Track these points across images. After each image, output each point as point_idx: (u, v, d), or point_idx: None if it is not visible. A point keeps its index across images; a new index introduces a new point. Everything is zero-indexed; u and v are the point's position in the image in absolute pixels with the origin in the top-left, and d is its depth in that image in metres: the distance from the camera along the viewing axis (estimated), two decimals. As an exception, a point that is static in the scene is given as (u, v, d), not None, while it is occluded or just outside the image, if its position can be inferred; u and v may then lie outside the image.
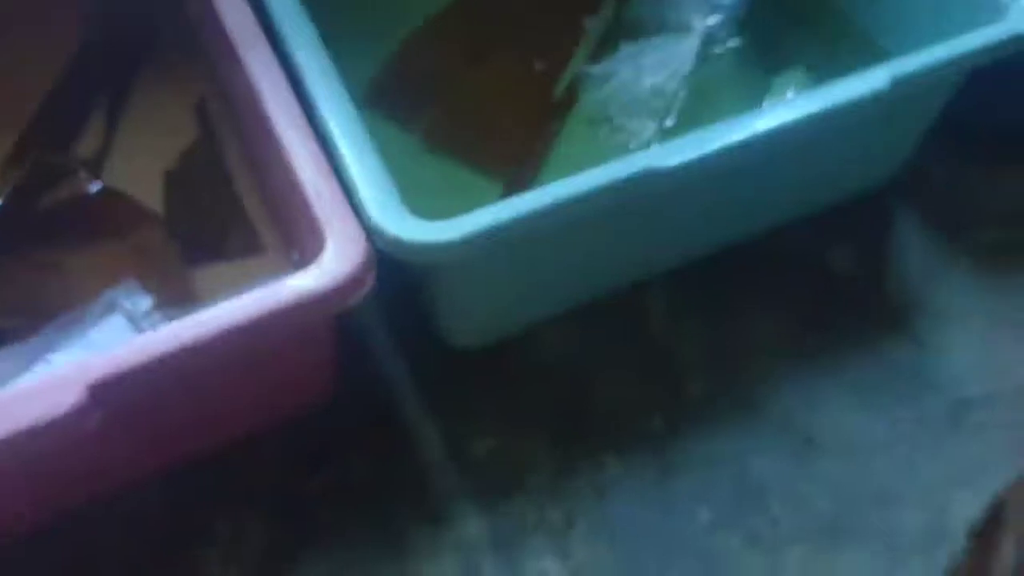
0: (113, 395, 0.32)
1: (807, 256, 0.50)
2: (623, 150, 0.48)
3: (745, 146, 0.39)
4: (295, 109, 0.39)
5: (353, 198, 0.36)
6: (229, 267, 0.48)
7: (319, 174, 0.37)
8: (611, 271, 0.47)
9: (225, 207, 0.50)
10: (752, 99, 0.50)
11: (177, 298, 0.45)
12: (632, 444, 0.44)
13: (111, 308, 0.43)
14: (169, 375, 0.33)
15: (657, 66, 0.48)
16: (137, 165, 0.51)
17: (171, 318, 0.43)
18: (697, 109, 0.49)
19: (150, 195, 0.50)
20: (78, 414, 0.31)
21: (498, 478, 0.44)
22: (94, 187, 0.48)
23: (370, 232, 0.35)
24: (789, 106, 0.40)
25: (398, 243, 0.35)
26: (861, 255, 0.50)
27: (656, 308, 0.48)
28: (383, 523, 0.42)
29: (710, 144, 0.38)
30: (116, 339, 0.42)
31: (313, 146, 0.38)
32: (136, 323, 0.43)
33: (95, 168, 0.50)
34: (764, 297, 0.49)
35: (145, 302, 0.43)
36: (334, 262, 0.35)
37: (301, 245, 0.43)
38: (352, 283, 0.34)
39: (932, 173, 0.53)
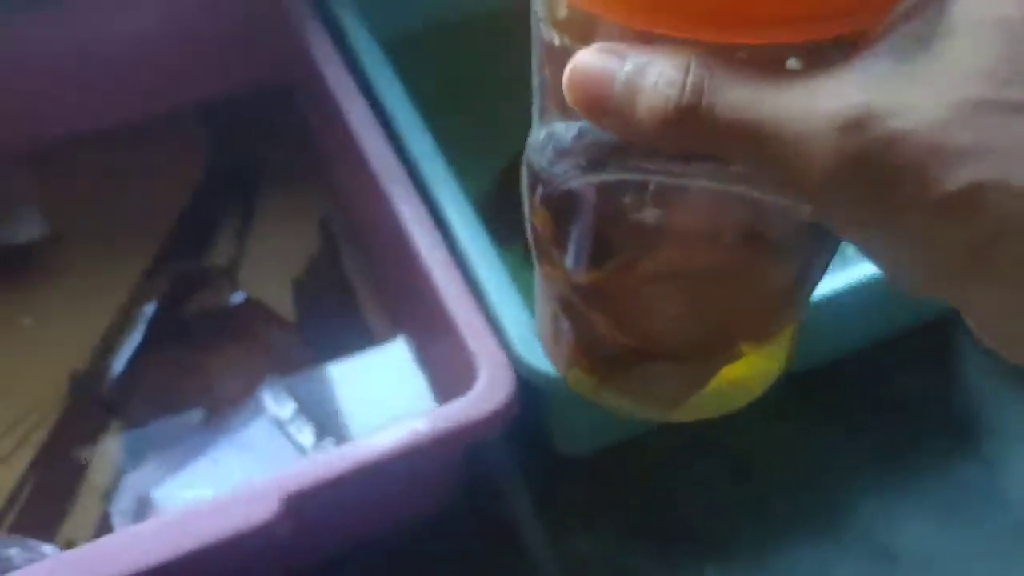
0: (305, 506, 0.36)
1: (877, 379, 0.55)
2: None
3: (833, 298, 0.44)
4: (441, 247, 0.44)
5: (500, 332, 0.41)
6: (354, 366, 0.53)
7: (471, 311, 0.42)
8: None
9: (347, 312, 0.55)
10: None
11: (313, 397, 0.50)
12: (726, 552, 0.49)
13: (258, 411, 0.48)
14: (348, 489, 0.38)
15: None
16: (266, 274, 0.56)
17: (313, 418, 0.48)
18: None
19: (279, 300, 0.55)
20: (276, 522, 0.36)
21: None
22: (236, 297, 0.53)
23: (516, 365, 0.40)
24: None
25: (546, 378, 0.39)
26: (926, 378, 0.55)
27: (736, 430, 0.53)
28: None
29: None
30: (265, 442, 0.47)
31: (462, 284, 0.43)
32: (283, 427, 0.47)
33: (232, 276, 0.56)
34: (839, 416, 0.53)
35: (290, 406, 0.48)
36: (487, 393, 0.39)
37: (444, 366, 0.47)
38: (503, 412, 0.39)
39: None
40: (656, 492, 0.51)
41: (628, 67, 0.19)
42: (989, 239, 0.18)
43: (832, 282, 0.45)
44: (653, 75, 0.19)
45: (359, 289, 0.56)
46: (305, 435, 0.47)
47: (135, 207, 0.59)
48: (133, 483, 0.45)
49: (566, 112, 0.22)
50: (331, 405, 0.49)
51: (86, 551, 0.38)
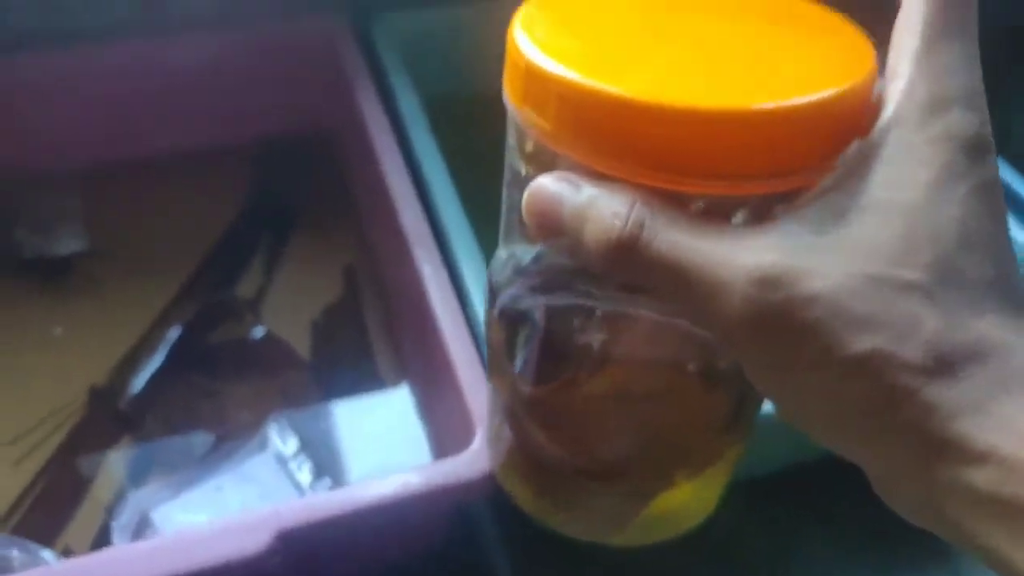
0: (296, 542, 0.38)
1: (860, 478, 0.56)
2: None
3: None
4: (456, 309, 0.47)
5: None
6: (361, 413, 0.55)
7: (475, 374, 0.43)
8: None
9: (361, 359, 0.57)
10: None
11: (316, 435, 0.52)
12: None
13: (264, 445, 0.50)
14: (338, 530, 0.39)
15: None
16: (288, 312, 0.59)
17: (313, 458, 0.50)
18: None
19: (297, 340, 0.57)
20: (266, 555, 0.37)
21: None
22: (258, 331, 0.56)
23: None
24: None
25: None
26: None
27: (729, 520, 0.54)
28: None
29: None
30: (266, 476, 0.48)
31: (471, 348, 0.45)
32: (284, 463, 0.49)
33: (255, 310, 0.58)
34: (822, 520, 0.54)
35: (293, 443, 0.50)
36: (482, 454, 0.41)
37: (445, 422, 0.49)
38: (494, 476, 0.41)
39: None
40: (637, 572, 0.52)
41: (581, 196, 0.21)
42: (880, 405, 0.19)
43: None
44: (601, 207, 0.21)
45: (374, 337, 0.58)
46: (304, 473, 0.48)
47: (173, 234, 0.62)
48: (136, 500, 0.47)
49: (527, 236, 0.24)
50: (332, 444, 0.51)
51: (82, 562, 0.39)
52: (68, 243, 0.61)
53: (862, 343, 0.19)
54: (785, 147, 0.20)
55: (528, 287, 0.25)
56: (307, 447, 0.50)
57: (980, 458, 0.19)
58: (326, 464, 0.50)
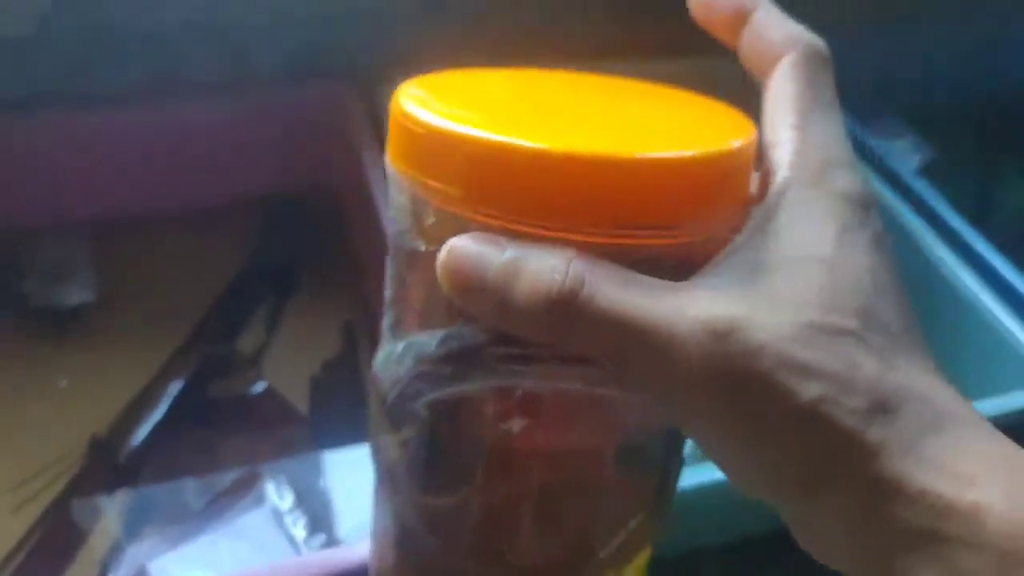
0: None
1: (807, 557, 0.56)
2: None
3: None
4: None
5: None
6: (357, 469, 0.55)
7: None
8: (676, 538, 0.54)
9: (358, 415, 0.58)
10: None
11: (314, 492, 0.53)
12: None
13: (260, 500, 0.51)
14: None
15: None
16: (288, 366, 0.60)
17: (308, 513, 0.51)
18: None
19: (296, 394, 0.59)
20: (258, 615, 0.38)
21: None
22: (259, 386, 0.57)
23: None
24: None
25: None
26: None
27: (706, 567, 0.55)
28: None
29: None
30: (261, 531, 0.49)
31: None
32: (280, 519, 0.50)
33: (256, 364, 0.60)
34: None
35: (290, 498, 0.51)
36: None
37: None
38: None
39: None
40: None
41: (508, 254, 0.20)
42: (829, 451, 0.20)
43: None
44: (534, 263, 0.20)
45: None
46: (299, 529, 0.49)
47: (178, 287, 0.63)
48: (132, 553, 0.48)
49: (428, 321, 0.23)
50: (328, 500, 0.52)
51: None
52: (76, 294, 0.62)
53: (810, 390, 0.19)
54: (698, 193, 0.21)
55: (434, 377, 0.23)
56: (303, 502, 0.51)
57: (916, 497, 0.19)
58: (321, 519, 0.51)
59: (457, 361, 0.22)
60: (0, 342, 0.60)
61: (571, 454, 0.24)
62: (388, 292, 0.25)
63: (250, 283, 0.64)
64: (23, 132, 0.62)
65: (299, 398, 0.58)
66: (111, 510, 0.52)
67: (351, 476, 0.54)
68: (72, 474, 0.54)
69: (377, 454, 0.27)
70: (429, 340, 0.22)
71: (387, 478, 0.26)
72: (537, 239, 0.20)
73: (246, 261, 0.65)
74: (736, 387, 0.19)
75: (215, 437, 0.55)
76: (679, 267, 0.21)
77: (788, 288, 0.20)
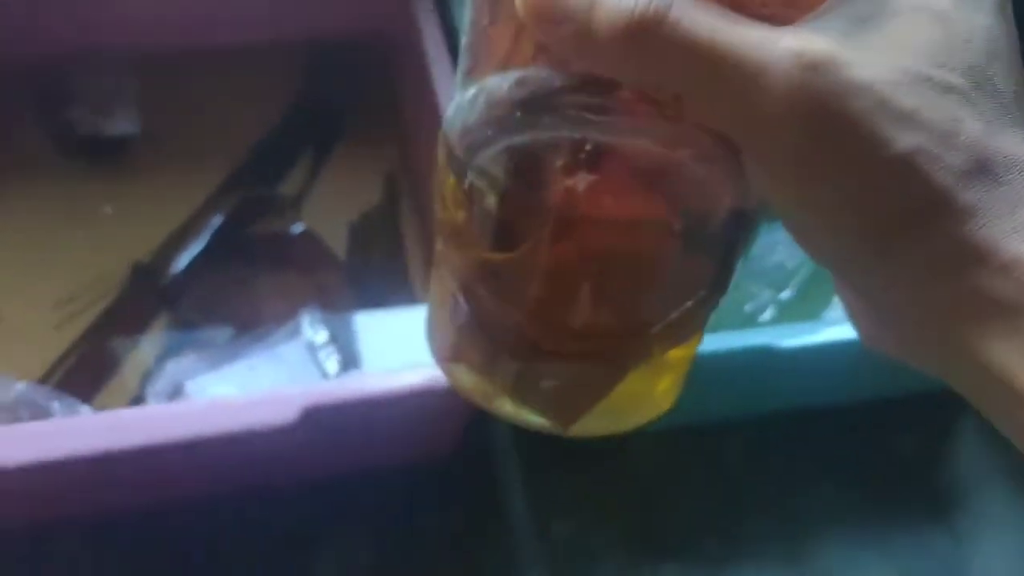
0: (319, 420, 0.40)
1: (876, 434, 0.57)
2: (739, 308, 0.56)
3: (848, 345, 0.46)
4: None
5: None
6: (389, 315, 0.56)
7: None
8: (705, 407, 0.55)
9: (393, 265, 0.59)
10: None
11: (347, 334, 0.54)
12: (688, 558, 0.51)
13: (296, 333, 0.52)
14: (361, 413, 0.41)
15: (789, 243, 0.56)
16: (327, 212, 0.60)
17: (341, 351, 0.52)
18: (814, 286, 0.57)
19: (334, 240, 0.59)
20: (290, 429, 0.39)
21: (571, 560, 0.51)
22: (297, 227, 0.57)
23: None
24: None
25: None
26: (920, 445, 0.57)
27: (735, 447, 0.56)
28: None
29: (819, 336, 0.46)
30: (296, 360, 0.51)
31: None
32: (314, 351, 0.51)
33: (296, 207, 0.60)
34: (829, 462, 0.56)
35: (323, 334, 0.52)
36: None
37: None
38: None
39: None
40: (640, 490, 0.54)
41: None
42: (917, 208, 0.19)
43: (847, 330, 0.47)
44: None
45: (408, 246, 0.60)
46: (331, 363, 0.50)
47: (223, 124, 0.63)
48: (171, 370, 0.49)
49: (505, 62, 0.22)
50: (359, 345, 0.53)
51: (118, 415, 0.42)
52: (121, 125, 0.62)
53: (907, 140, 0.18)
54: None
55: (504, 123, 0.22)
56: (336, 340, 0.52)
57: (1007, 265, 0.18)
58: (352, 359, 0.52)
59: (528, 105, 0.21)
60: (45, 167, 0.61)
61: (634, 222, 0.23)
62: (464, 38, 0.23)
63: (295, 126, 0.63)
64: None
65: (337, 243, 0.59)
66: (151, 332, 0.54)
67: (384, 324, 0.55)
68: (114, 296, 0.55)
69: (441, 209, 0.25)
70: (501, 82, 0.21)
71: (451, 235, 0.25)
72: None
73: (292, 102, 0.64)
74: (825, 124, 0.18)
75: (253, 273, 0.56)
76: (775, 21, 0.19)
77: (896, 37, 0.19)
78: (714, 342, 0.45)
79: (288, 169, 0.62)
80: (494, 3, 0.22)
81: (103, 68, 0.64)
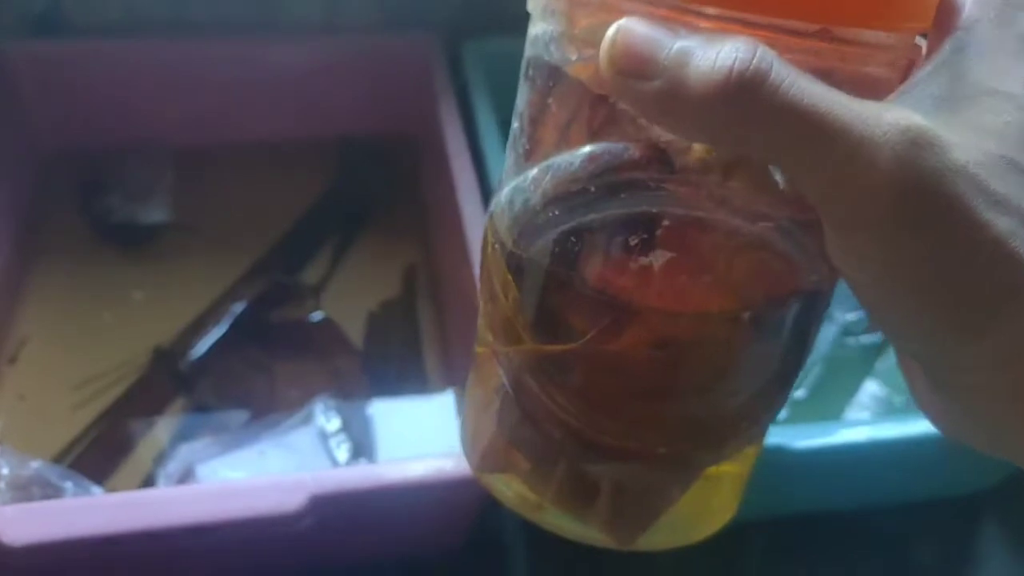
0: (328, 508, 0.40)
1: (895, 540, 0.56)
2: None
3: (865, 446, 0.46)
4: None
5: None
6: (403, 405, 0.57)
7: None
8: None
9: (410, 355, 0.59)
10: (879, 382, 0.57)
11: (359, 422, 0.54)
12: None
13: (308, 420, 0.52)
14: (369, 503, 0.41)
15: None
16: (348, 301, 0.61)
17: (353, 440, 0.52)
18: (828, 384, 0.57)
19: (353, 329, 0.60)
20: (298, 516, 0.39)
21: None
22: (317, 315, 0.58)
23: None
24: (908, 421, 0.47)
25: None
26: (943, 552, 0.55)
27: (751, 550, 0.54)
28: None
29: (834, 438, 0.46)
30: (307, 448, 0.51)
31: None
32: (325, 439, 0.51)
33: (316, 295, 0.61)
34: (844, 566, 0.54)
35: (336, 422, 0.52)
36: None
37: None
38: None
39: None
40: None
41: (683, 40, 0.18)
42: (1004, 292, 0.18)
43: (874, 431, 0.47)
44: (715, 44, 0.18)
45: (425, 336, 0.60)
46: (342, 451, 0.51)
47: (251, 216, 0.65)
48: (183, 453, 0.50)
49: (560, 142, 0.21)
50: (372, 431, 0.53)
51: (128, 497, 0.42)
52: (155, 213, 0.65)
53: (1001, 223, 0.18)
54: None
55: (573, 200, 0.20)
56: (348, 428, 0.52)
57: None
58: (364, 448, 0.52)
59: (602, 179, 0.20)
60: (82, 252, 0.63)
61: (706, 305, 0.21)
62: (515, 125, 0.23)
63: (321, 218, 0.66)
64: (123, 56, 0.65)
65: (355, 332, 0.60)
66: (167, 415, 0.54)
67: (398, 414, 0.55)
68: (134, 379, 0.56)
69: (489, 304, 0.24)
70: (571, 159, 0.20)
71: (500, 330, 0.24)
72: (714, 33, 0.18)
73: (319, 197, 0.67)
74: (924, 203, 0.18)
75: (271, 359, 0.57)
76: (859, 93, 0.19)
77: (978, 120, 0.19)
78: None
79: (311, 258, 0.64)
80: (553, 83, 0.21)
81: (140, 159, 0.67)
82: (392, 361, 0.59)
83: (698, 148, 0.20)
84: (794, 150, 0.18)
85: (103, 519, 0.38)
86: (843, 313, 0.60)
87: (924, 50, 0.21)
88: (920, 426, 0.47)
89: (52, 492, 0.46)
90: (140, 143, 0.68)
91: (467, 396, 0.28)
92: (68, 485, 0.47)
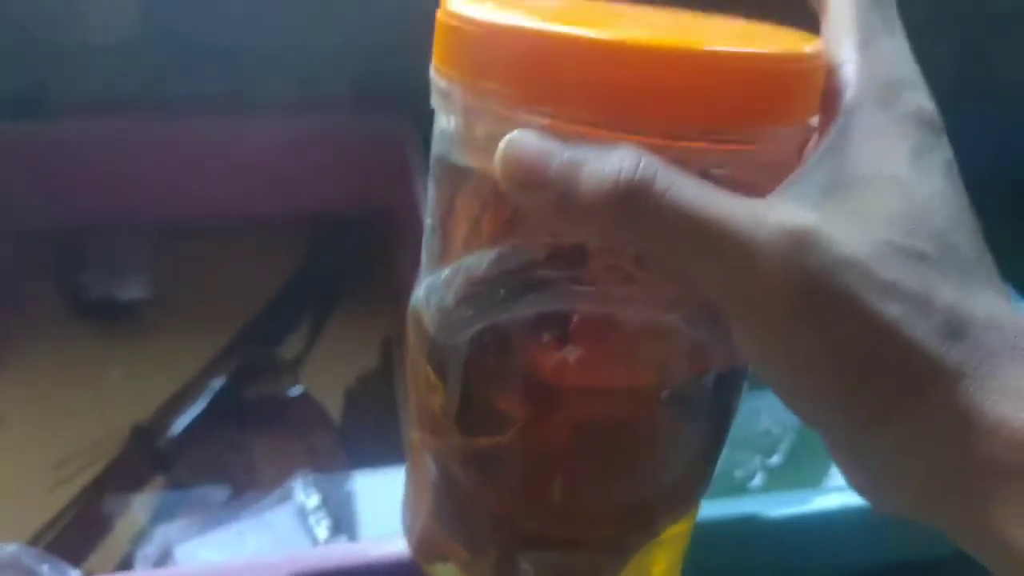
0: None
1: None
2: (729, 475, 0.57)
3: (838, 514, 0.47)
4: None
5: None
6: (382, 479, 0.57)
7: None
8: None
9: (388, 428, 0.60)
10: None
11: (339, 497, 0.54)
12: None
13: (287, 497, 0.52)
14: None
15: (771, 411, 0.58)
16: (325, 376, 0.62)
17: (332, 515, 0.52)
18: (802, 451, 0.58)
19: (331, 403, 0.61)
20: (278, 597, 0.40)
21: None
22: (294, 390, 0.59)
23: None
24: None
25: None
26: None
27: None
28: None
29: (809, 505, 0.47)
30: (286, 526, 0.51)
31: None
32: (305, 516, 0.52)
33: (294, 370, 0.62)
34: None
35: (315, 498, 0.53)
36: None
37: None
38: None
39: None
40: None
41: (571, 151, 0.19)
42: (903, 379, 0.19)
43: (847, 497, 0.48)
44: (602, 155, 0.18)
45: (403, 410, 0.61)
46: (322, 528, 0.51)
47: (229, 291, 0.66)
48: (161, 534, 0.50)
49: (476, 245, 0.21)
50: (352, 507, 0.54)
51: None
52: (132, 289, 0.66)
53: (891, 310, 0.18)
54: (774, 94, 0.20)
55: (484, 301, 0.21)
56: (327, 504, 0.53)
57: (995, 428, 0.18)
58: (344, 522, 0.52)
59: (511, 280, 0.20)
60: (59, 329, 0.64)
61: (624, 392, 0.22)
62: (428, 221, 0.23)
63: (296, 293, 0.67)
64: (100, 134, 0.66)
65: (333, 406, 0.60)
66: (145, 495, 0.54)
67: (377, 489, 0.56)
68: (111, 458, 0.57)
69: (415, 396, 0.25)
70: (479, 260, 0.21)
71: (427, 422, 0.24)
72: (602, 142, 0.19)
73: (295, 273, 0.68)
74: (814, 300, 0.18)
75: (249, 435, 0.57)
76: (746, 188, 0.19)
77: (865, 207, 0.19)
78: (704, 509, 0.46)
79: (288, 334, 0.65)
80: (458, 186, 0.22)
81: (117, 235, 0.68)
82: (370, 434, 0.59)
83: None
84: (684, 253, 0.19)
85: (83, 607, 0.39)
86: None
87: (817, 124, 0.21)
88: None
89: (29, 577, 0.46)
90: (117, 219, 0.69)
91: (405, 484, 0.28)
92: (44, 569, 0.47)
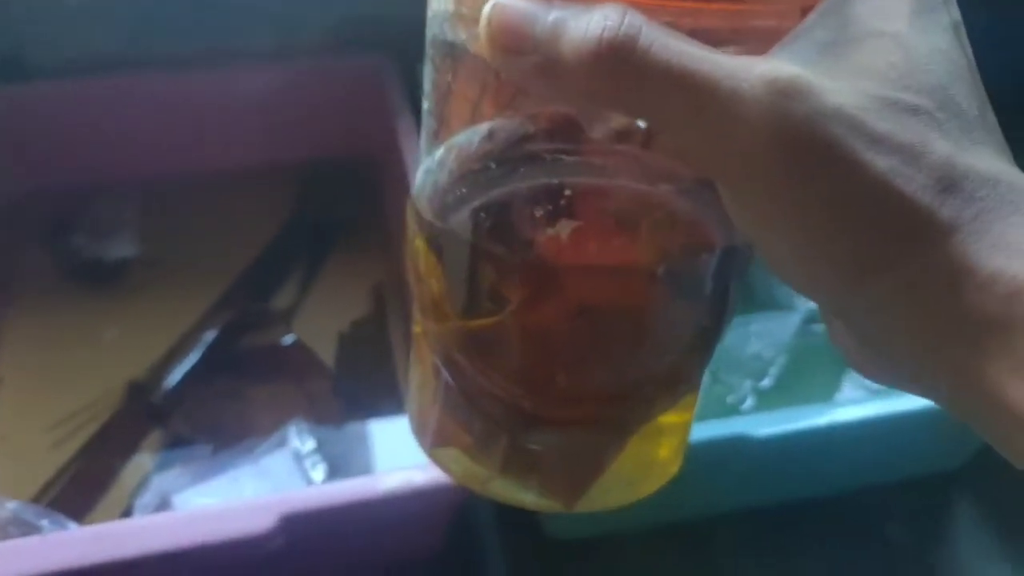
0: (299, 527, 0.40)
1: (868, 522, 0.56)
2: (721, 400, 0.56)
3: (827, 431, 0.47)
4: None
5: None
6: (378, 423, 0.57)
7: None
8: (690, 502, 0.55)
9: (382, 373, 0.60)
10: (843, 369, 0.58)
11: (335, 442, 0.54)
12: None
13: (282, 443, 0.52)
14: (340, 519, 0.42)
15: (762, 334, 0.57)
16: (318, 324, 0.62)
17: (328, 459, 0.52)
18: (793, 374, 0.58)
19: (324, 350, 0.60)
20: (268, 537, 0.40)
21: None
22: (288, 339, 0.59)
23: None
24: (873, 402, 0.48)
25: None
26: (916, 532, 0.56)
27: (724, 541, 0.55)
28: None
29: (796, 423, 0.47)
30: (282, 471, 0.51)
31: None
32: (300, 460, 0.52)
33: (287, 320, 0.62)
34: (822, 551, 0.55)
35: (311, 443, 0.53)
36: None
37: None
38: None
39: (999, 463, 0.59)
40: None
41: (556, 12, 0.18)
42: (893, 232, 0.18)
43: (849, 412, 0.48)
44: (585, 15, 0.18)
45: (396, 355, 0.61)
46: (318, 472, 0.51)
47: (219, 245, 0.66)
48: (158, 484, 0.50)
49: (472, 118, 0.21)
50: (347, 450, 0.54)
51: (99, 529, 0.42)
52: (122, 249, 0.65)
53: (881, 161, 0.18)
54: None
55: (478, 178, 0.21)
56: (322, 448, 0.53)
57: (987, 281, 0.18)
58: (339, 467, 0.52)
59: (503, 156, 0.20)
60: (52, 292, 0.64)
61: (620, 268, 0.22)
62: (425, 105, 0.23)
63: (287, 243, 0.66)
64: (81, 95, 0.65)
65: (326, 353, 0.60)
66: (143, 449, 0.55)
67: (372, 431, 0.56)
68: (109, 415, 0.57)
69: (416, 286, 0.24)
70: (471, 137, 0.21)
71: (427, 307, 0.24)
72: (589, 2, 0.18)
73: (284, 223, 0.67)
74: (801, 152, 0.18)
75: (244, 385, 0.57)
76: (748, 48, 0.19)
77: (862, 62, 0.19)
78: (695, 432, 0.46)
79: (280, 284, 0.64)
80: (451, 62, 0.21)
81: (105, 195, 0.68)
82: (364, 380, 0.59)
83: (619, 117, 0.20)
84: (667, 111, 0.18)
85: (75, 552, 0.39)
86: (805, 302, 0.61)
87: None
88: (886, 406, 0.47)
89: (30, 531, 0.47)
90: (103, 180, 0.68)
91: (409, 376, 0.28)
92: (45, 523, 0.47)
